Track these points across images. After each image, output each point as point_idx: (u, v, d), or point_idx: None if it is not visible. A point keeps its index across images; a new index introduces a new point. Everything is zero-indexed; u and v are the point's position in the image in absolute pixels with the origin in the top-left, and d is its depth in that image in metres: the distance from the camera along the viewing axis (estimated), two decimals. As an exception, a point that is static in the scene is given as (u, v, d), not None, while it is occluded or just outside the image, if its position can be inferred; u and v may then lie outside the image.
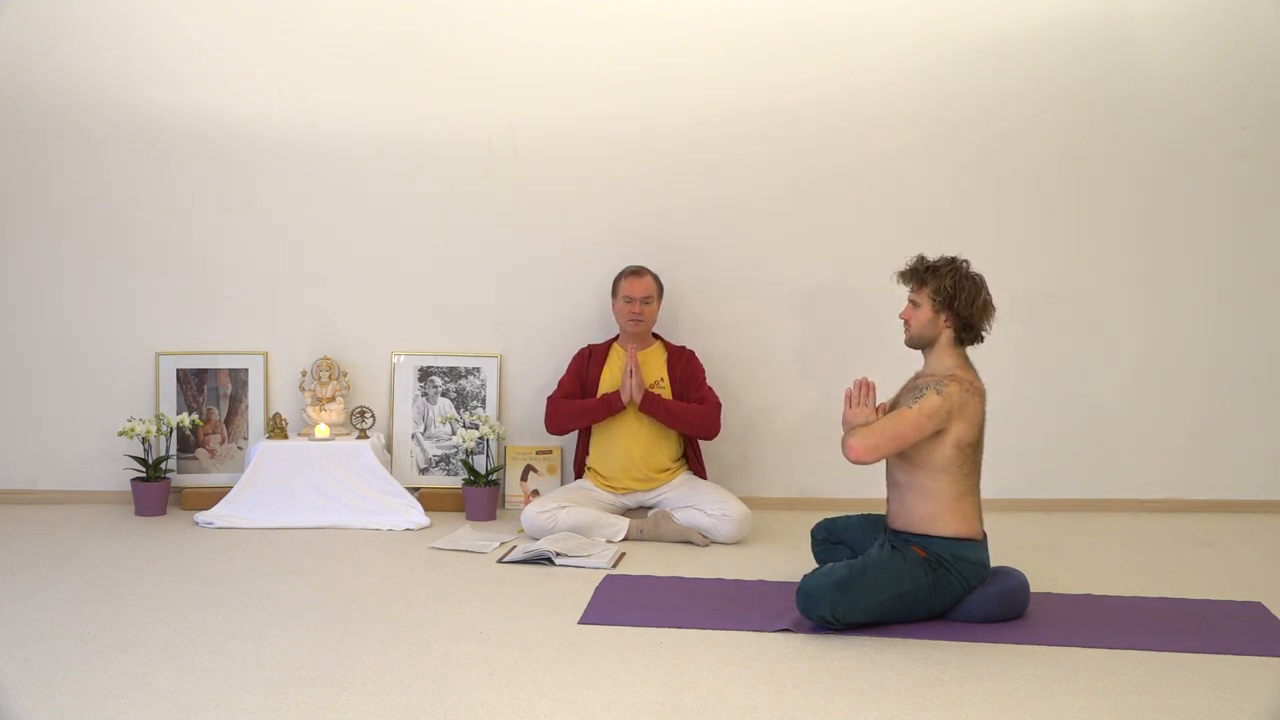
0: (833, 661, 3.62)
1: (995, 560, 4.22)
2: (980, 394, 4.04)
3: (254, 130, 5.78)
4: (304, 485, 5.43)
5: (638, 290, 5.41)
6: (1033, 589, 4.21)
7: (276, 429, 5.59)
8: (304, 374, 5.77)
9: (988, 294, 4.09)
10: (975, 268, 4.13)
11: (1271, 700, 3.38)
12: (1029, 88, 5.82)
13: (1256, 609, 4.23)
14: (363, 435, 5.64)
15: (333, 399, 5.72)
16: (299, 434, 5.67)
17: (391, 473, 5.63)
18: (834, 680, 3.47)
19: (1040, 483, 5.94)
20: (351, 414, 5.70)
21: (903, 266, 4.17)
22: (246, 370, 5.84)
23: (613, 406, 5.30)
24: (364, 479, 5.47)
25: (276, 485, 5.42)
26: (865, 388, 4.09)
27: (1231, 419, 5.96)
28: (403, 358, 5.89)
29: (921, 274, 4.10)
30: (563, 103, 5.80)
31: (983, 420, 4.04)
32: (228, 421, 5.83)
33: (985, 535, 4.09)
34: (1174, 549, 5.18)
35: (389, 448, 5.83)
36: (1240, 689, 3.45)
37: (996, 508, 5.34)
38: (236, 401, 5.83)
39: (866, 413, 4.04)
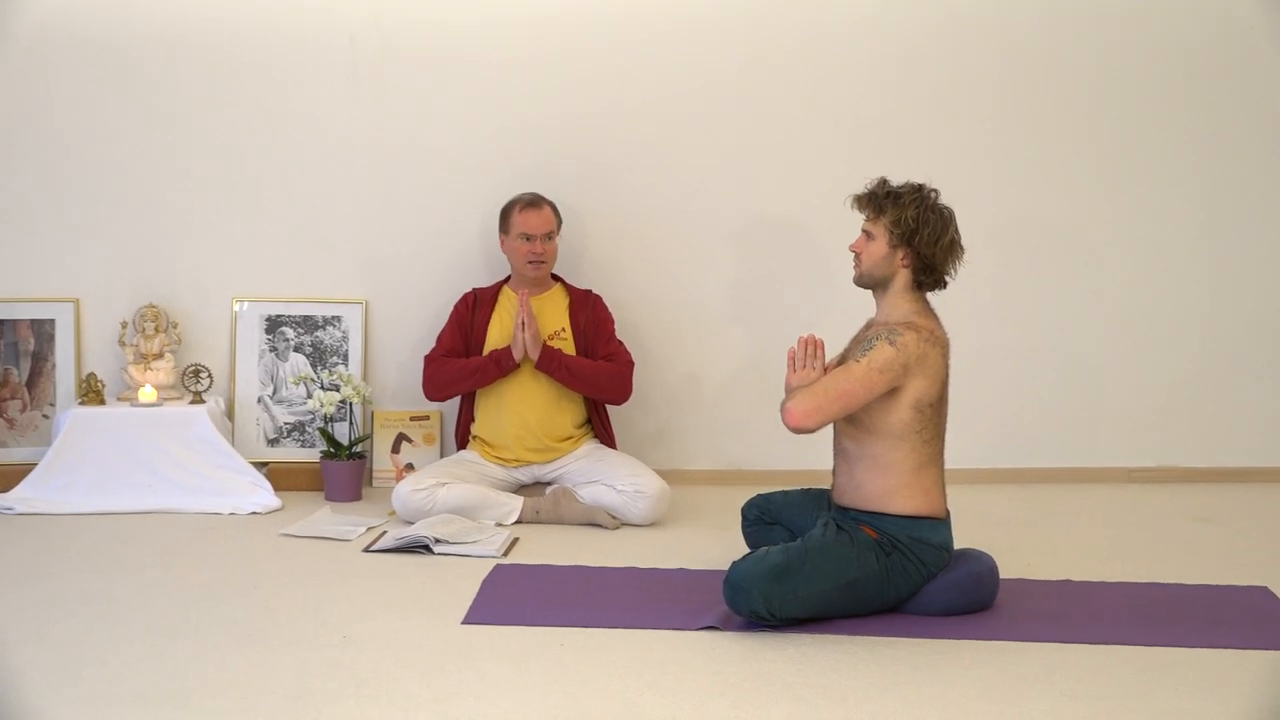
0: (766, 664, 3.64)
1: (959, 542, 4.26)
2: (942, 345, 4.06)
3: (55, 24, 5.64)
4: (125, 461, 5.37)
5: (538, 225, 5.37)
6: (1003, 575, 4.26)
7: (91, 393, 5.51)
8: (124, 325, 5.69)
9: (956, 232, 4.10)
10: (943, 197, 4.14)
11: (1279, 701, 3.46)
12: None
13: (1262, 595, 4.32)
14: (197, 399, 5.58)
15: (160, 355, 5.65)
16: (119, 398, 5.60)
17: (234, 445, 5.60)
18: (768, 686, 3.49)
19: (1013, 450, 6.03)
20: (184, 374, 5.63)
21: (861, 190, 4.18)
22: (53, 321, 5.75)
23: (503, 365, 5.28)
24: (200, 452, 5.43)
25: (92, 461, 5.36)
26: (812, 346, 4.10)
27: (1234, 374, 6.07)
28: (246, 305, 5.82)
29: (880, 200, 4.10)
30: (441, -7, 5.77)
31: (945, 376, 4.07)
32: (30, 384, 5.74)
33: (948, 513, 4.13)
34: (1167, 525, 5.27)
35: (230, 414, 5.79)
36: (1244, 688, 3.51)
37: (961, 479, 5.39)
38: (41, 360, 5.74)
39: (813, 376, 4.05)
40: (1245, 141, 5.97)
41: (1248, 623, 4.03)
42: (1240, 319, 6.06)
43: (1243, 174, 5.99)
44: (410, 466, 5.76)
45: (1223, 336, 6.06)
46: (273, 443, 5.83)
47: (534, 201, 5.42)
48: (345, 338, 5.85)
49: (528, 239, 5.38)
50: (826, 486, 4.36)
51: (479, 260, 5.79)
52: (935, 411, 4.05)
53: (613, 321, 5.53)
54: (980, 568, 4.09)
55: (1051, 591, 4.33)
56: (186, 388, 5.63)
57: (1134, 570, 4.60)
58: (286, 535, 4.97)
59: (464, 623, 3.96)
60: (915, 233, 4.04)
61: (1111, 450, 6.06)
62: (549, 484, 5.41)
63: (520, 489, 5.43)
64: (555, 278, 5.58)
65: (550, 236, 5.40)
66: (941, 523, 4.08)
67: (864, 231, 4.15)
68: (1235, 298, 6.05)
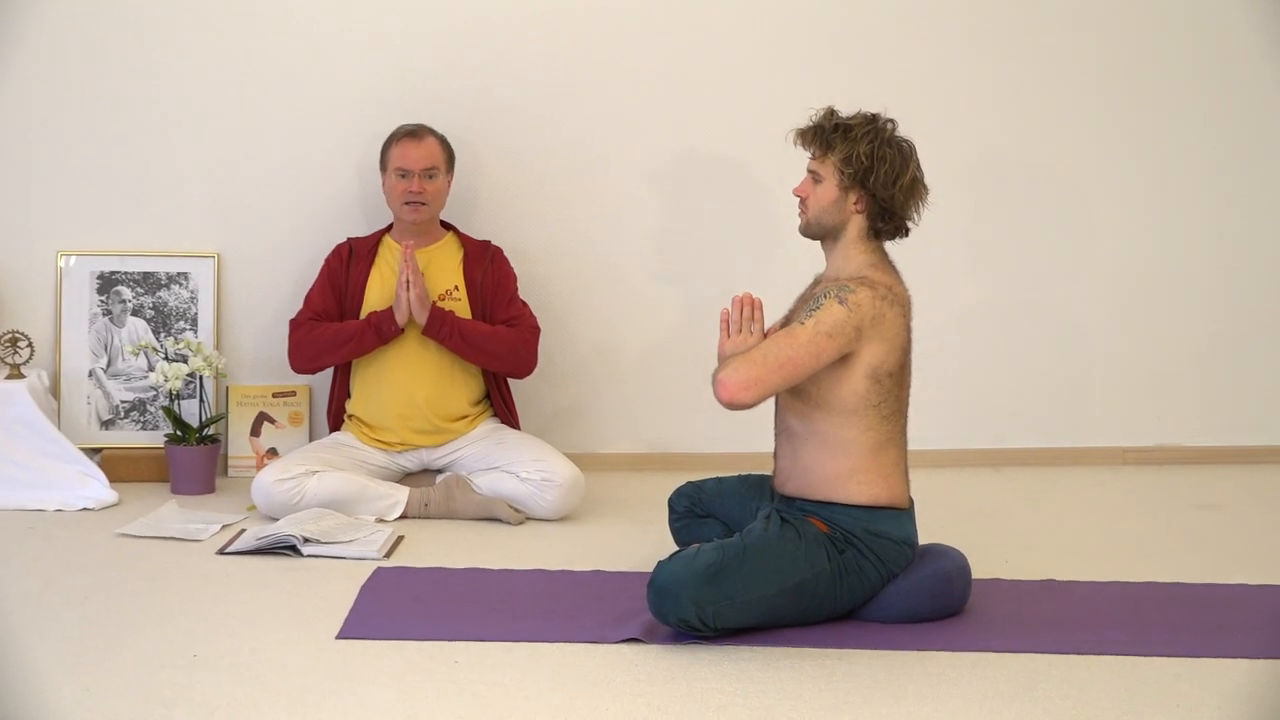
0: (699, 682, 3.65)
1: (925, 536, 4.29)
2: (902, 303, 4.08)
3: None
4: (-72, 448, 5.33)
5: (416, 159, 5.35)
6: (975, 574, 4.29)
7: (-115, 366, 5.46)
8: (-75, 285, 5.63)
9: (918, 169, 4.12)
10: (904, 130, 4.16)
11: (1295, 718, 3.52)
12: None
13: (1276, 595, 4.38)
14: (15, 373, 5.54)
15: (-31, 321, 5.61)
16: (-81, 373, 5.54)
17: (59, 428, 5.56)
18: (700, 708, 3.50)
19: (987, 427, 6.08)
20: (-2, 342, 5.59)
21: (804, 124, 4.18)
22: None
23: (384, 331, 5.26)
24: (18, 437, 5.39)
25: (-113, 448, 5.31)
26: (749, 307, 4.11)
27: (1245, 341, 6.16)
28: (74, 259, 5.78)
29: (828, 135, 4.11)
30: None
31: (908, 340, 4.09)
32: None
33: (911, 502, 4.16)
34: (1167, 514, 5.34)
35: (55, 392, 5.75)
36: (1254, 704, 3.55)
37: (927, 462, 5.44)
38: None
39: (750, 341, 4.06)
40: (1263, 75, 6.01)
41: (1260, 627, 4.08)
42: (1253, 277, 6.13)
43: (1260, 112, 6.05)
44: (273, 452, 5.75)
45: (1233, 297, 6.13)
46: (107, 425, 5.79)
47: (414, 132, 5.40)
48: (194, 298, 5.81)
49: (404, 175, 5.35)
50: (768, 472, 4.38)
51: (355, 205, 5.77)
52: (895, 382, 4.06)
53: (515, 279, 5.52)
54: (949, 566, 4.12)
55: (1032, 593, 4.37)
56: (2, 360, 5.58)
57: (1128, 567, 4.65)
58: (125, 535, 4.93)
59: (339, 637, 3.95)
60: (869, 171, 4.05)
61: (1103, 428, 6.13)
62: (440, 472, 5.42)
63: (406, 478, 5.42)
64: (447, 226, 5.56)
65: (433, 174, 5.37)
66: (904, 513, 4.10)
67: (810, 172, 4.16)
68: (1248, 252, 6.12)
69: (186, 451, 5.50)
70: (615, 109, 5.87)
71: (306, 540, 4.72)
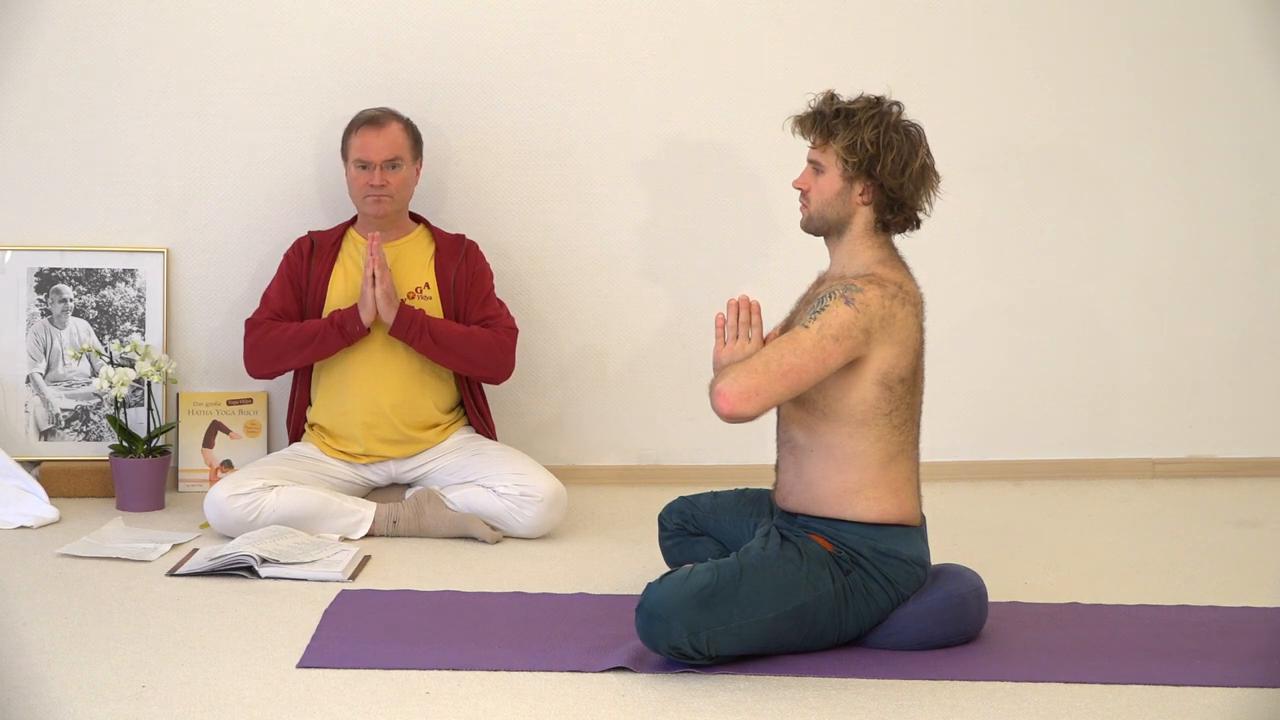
0: (692, 715, 3.65)
1: (937, 555, 4.31)
2: (914, 302, 4.08)
3: None
4: None
5: (378, 149, 5.34)
6: (992, 597, 4.30)
7: None
8: None
9: (928, 155, 4.12)
10: (912, 114, 4.17)
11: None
12: None
13: (1319, 620, 4.41)
14: (-54, 379, 5.53)
15: (-104, 322, 5.61)
16: None
17: (-6, 438, 5.56)
18: (694, 743, 3.52)
19: (1005, 438, 6.08)
20: (-73, 346, 5.59)
21: (803, 110, 4.19)
22: None
23: (348, 329, 5.26)
24: (-50, 449, 5.38)
25: None
26: (747, 311, 4.11)
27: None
28: (10, 255, 5.78)
29: (829, 121, 4.10)
30: None
31: (920, 343, 4.09)
32: None
33: (923, 519, 4.17)
34: (1201, 533, 5.36)
35: (-11, 399, 5.74)
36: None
37: (940, 475, 5.45)
38: None
39: (749, 348, 4.06)
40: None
41: (1301, 655, 4.11)
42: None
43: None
44: (228, 465, 5.75)
45: (1271, 297, 6.13)
46: (46, 435, 5.79)
47: (374, 119, 5.38)
48: (141, 297, 5.82)
49: (364, 167, 5.34)
50: (767, 486, 4.39)
51: (314, 196, 5.77)
52: (907, 389, 4.06)
53: (491, 276, 5.53)
54: (963, 588, 4.13)
55: (1054, 617, 4.38)
56: (-69, 364, 5.60)
57: (1158, 590, 4.66)
58: (66, 555, 4.92)
59: (300, 666, 3.95)
60: (876, 159, 4.04)
61: (1131, 438, 6.13)
62: (409, 486, 5.42)
63: (373, 492, 5.43)
64: (417, 219, 5.56)
65: (396, 164, 5.36)
66: (915, 531, 4.11)
67: (810, 163, 4.15)
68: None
69: (133, 464, 5.49)
70: (597, 93, 5.86)
71: (264, 561, 4.72)
